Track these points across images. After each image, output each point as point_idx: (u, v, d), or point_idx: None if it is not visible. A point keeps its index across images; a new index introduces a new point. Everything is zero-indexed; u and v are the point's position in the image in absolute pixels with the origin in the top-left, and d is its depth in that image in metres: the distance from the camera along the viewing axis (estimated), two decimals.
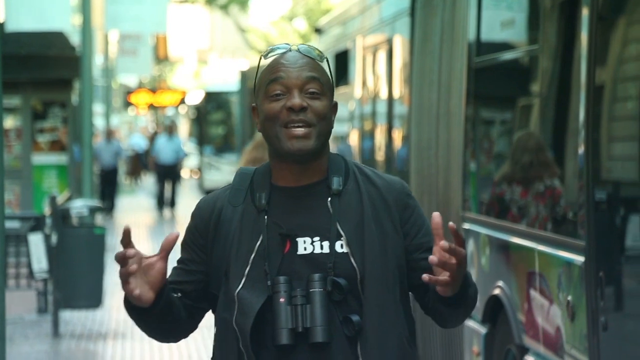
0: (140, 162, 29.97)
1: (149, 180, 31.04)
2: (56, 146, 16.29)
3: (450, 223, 2.44)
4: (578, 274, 4.60)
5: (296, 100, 2.50)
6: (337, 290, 2.49)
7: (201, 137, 27.47)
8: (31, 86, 15.41)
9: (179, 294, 2.60)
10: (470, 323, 6.14)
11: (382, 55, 8.87)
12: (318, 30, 12.71)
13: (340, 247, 2.51)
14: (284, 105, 2.51)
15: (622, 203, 4.42)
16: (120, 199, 24.99)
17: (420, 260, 2.56)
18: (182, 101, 33.10)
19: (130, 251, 2.45)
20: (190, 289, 2.61)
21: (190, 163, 31.20)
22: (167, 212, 21.72)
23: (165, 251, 2.48)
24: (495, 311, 5.63)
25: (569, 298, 4.68)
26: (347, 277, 2.50)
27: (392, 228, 2.55)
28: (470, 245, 6.18)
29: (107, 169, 20.92)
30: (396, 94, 8.53)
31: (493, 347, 5.83)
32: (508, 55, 5.99)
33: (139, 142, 31.39)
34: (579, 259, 4.58)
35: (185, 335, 2.65)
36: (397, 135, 8.57)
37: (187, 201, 24.24)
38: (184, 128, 43.80)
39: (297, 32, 34.19)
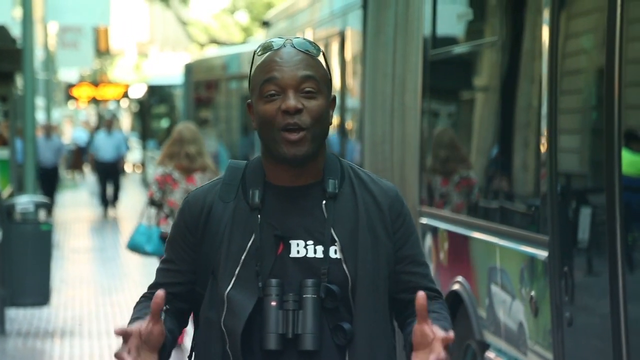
0: (81, 157, 29.60)
1: (90, 175, 30.70)
2: None
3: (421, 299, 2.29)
4: (541, 269, 4.57)
5: (291, 102, 2.41)
6: (330, 298, 2.41)
7: (144, 131, 27.23)
8: None
9: (168, 301, 2.49)
10: None
11: (333, 48, 8.81)
12: (266, 24, 12.63)
13: (334, 252, 2.43)
14: (279, 108, 2.42)
15: (584, 196, 4.40)
16: (62, 194, 24.68)
17: (403, 273, 2.50)
18: (125, 95, 32.79)
19: (135, 329, 2.34)
20: (182, 290, 2.51)
21: (133, 157, 30.91)
22: (110, 211, 20.88)
23: (157, 314, 2.36)
24: (454, 306, 5.60)
25: (532, 293, 4.65)
26: (339, 284, 2.42)
27: (385, 235, 2.48)
28: (428, 240, 6.15)
29: (47, 167, 19.66)
30: (348, 87, 8.48)
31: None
32: (464, 48, 5.96)
33: (81, 136, 31.04)
34: (542, 253, 4.56)
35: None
36: (350, 129, 8.52)
37: (130, 197, 24.02)
38: (126, 122, 43.40)
39: (239, 24, 34.04)
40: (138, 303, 2.56)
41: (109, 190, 20.79)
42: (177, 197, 8.04)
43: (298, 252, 2.43)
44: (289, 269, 2.42)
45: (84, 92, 31.63)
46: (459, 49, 6.04)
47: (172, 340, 2.47)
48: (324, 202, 2.46)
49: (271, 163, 2.47)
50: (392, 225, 2.49)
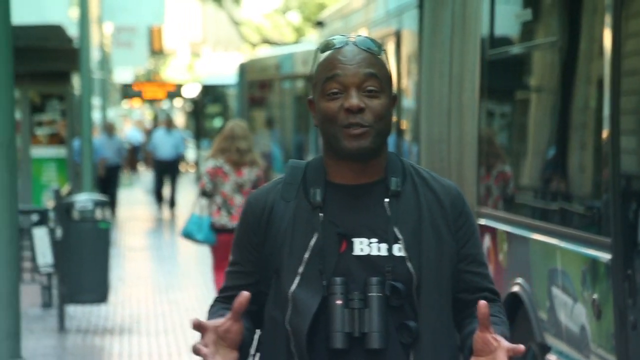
0: (136, 156, 29.82)
1: (145, 173, 30.95)
2: (55, 139, 16.20)
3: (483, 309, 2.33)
4: (604, 272, 4.54)
5: (354, 100, 2.42)
6: (395, 296, 2.41)
7: (198, 130, 27.39)
8: (29, 79, 15.31)
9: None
10: None
11: (388, 48, 8.80)
12: (320, 24, 12.65)
13: (398, 250, 2.43)
14: (342, 106, 2.43)
15: None
16: (118, 193, 24.90)
17: (464, 272, 2.50)
18: (178, 94, 33.03)
19: (211, 324, 2.37)
20: (252, 292, 2.50)
21: (188, 157, 31.12)
22: (166, 211, 20.58)
23: (237, 313, 2.38)
24: (514, 308, 5.58)
25: (595, 296, 4.62)
26: (404, 282, 2.42)
27: (448, 233, 2.48)
28: (487, 242, 6.13)
29: (110, 166, 19.39)
30: (404, 87, 8.47)
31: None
32: (522, 48, 5.93)
33: (135, 135, 31.30)
34: (605, 256, 4.53)
35: None
36: (406, 129, 8.52)
37: (184, 196, 24.19)
38: (179, 121, 43.72)
39: (291, 25, 34.12)
40: (212, 306, 2.57)
41: (166, 189, 20.51)
42: (227, 189, 8.53)
43: (362, 250, 2.43)
44: (353, 267, 2.42)
45: (138, 92, 31.88)
46: (516, 49, 6.01)
47: (250, 340, 2.48)
48: (386, 200, 2.46)
49: (333, 160, 2.48)
50: (455, 224, 2.49)
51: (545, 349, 5.24)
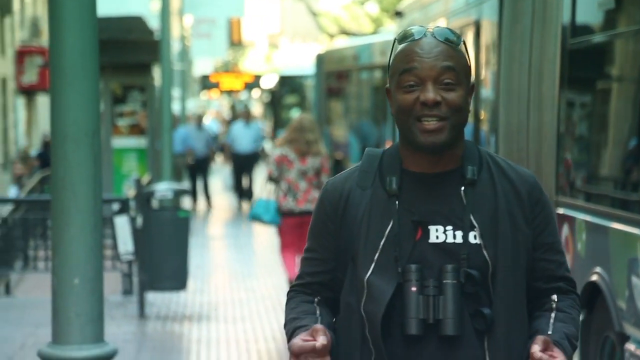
0: (213, 147, 30.01)
1: (222, 165, 31.17)
2: (135, 130, 16.45)
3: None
4: None
5: (430, 94, 2.43)
6: (470, 283, 2.43)
7: (275, 121, 27.54)
8: (111, 70, 15.56)
9: (317, 292, 2.54)
10: None
11: (467, 38, 8.77)
12: (399, 14, 12.64)
13: (474, 238, 2.45)
14: (417, 98, 2.44)
15: None
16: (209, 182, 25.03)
17: (540, 260, 2.51)
18: (256, 85, 33.23)
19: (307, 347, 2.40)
20: (327, 278, 2.54)
21: (267, 149, 31.28)
22: (244, 202, 19.70)
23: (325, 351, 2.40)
24: (592, 298, 5.54)
25: None
26: (479, 269, 2.44)
27: (524, 222, 2.49)
28: (565, 231, 6.10)
29: (200, 157, 19.04)
30: (483, 77, 8.44)
31: (590, 334, 5.74)
32: (604, 37, 5.88)
33: (213, 127, 31.58)
34: None
35: None
36: (485, 119, 8.49)
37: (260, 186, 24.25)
38: (257, 112, 44.01)
39: (369, 15, 34.10)
40: (290, 298, 2.59)
41: (245, 182, 19.89)
42: (292, 176, 9.21)
43: (437, 237, 2.45)
44: (428, 255, 2.44)
45: (217, 83, 32.15)
46: (598, 38, 5.96)
47: (334, 336, 2.50)
48: (462, 188, 2.47)
49: (408, 150, 2.49)
50: (531, 212, 2.49)
51: (624, 338, 5.20)
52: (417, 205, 2.47)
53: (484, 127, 8.47)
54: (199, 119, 20.16)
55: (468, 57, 2.52)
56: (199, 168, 19.05)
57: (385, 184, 2.50)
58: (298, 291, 2.58)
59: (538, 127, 6.70)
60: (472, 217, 2.45)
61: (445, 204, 2.47)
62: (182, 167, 19.33)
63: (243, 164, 19.48)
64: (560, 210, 6.18)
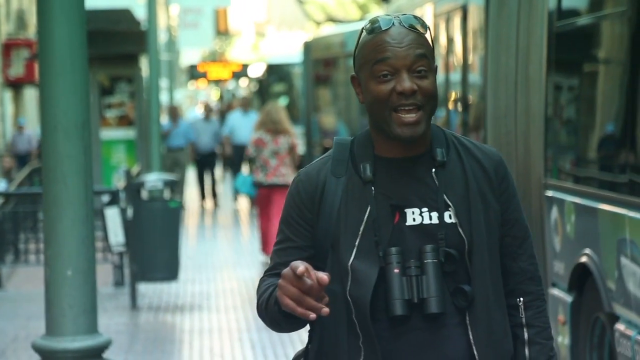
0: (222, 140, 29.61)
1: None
2: (124, 121, 16.43)
3: None
4: None
5: (407, 84, 2.47)
6: (449, 262, 2.49)
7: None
8: (98, 62, 15.53)
9: None
10: (555, 292, 6.09)
11: (455, 22, 8.79)
12: (385, 0, 12.65)
13: (449, 217, 2.51)
14: (394, 89, 2.48)
15: None
16: (190, 173, 25.06)
17: (506, 236, 2.58)
18: (244, 74, 33.18)
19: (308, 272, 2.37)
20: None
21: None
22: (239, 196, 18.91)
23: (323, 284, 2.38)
24: (582, 279, 5.58)
25: None
26: (456, 247, 2.50)
27: (493, 198, 2.56)
28: (554, 213, 6.13)
29: (206, 152, 17.89)
30: (470, 61, 8.46)
31: (580, 315, 5.78)
32: (591, 19, 5.90)
33: (197, 117, 31.45)
34: None
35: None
36: (472, 103, 8.51)
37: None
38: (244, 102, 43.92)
39: (356, 2, 34.07)
40: (262, 281, 2.60)
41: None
42: (266, 154, 11.18)
43: (414, 219, 2.51)
44: (407, 237, 2.50)
45: (204, 73, 32.10)
46: (585, 21, 5.98)
47: (318, 323, 2.51)
48: (433, 170, 2.53)
49: (381, 137, 2.54)
50: (499, 188, 2.57)
51: (614, 318, 5.24)
52: (392, 189, 2.53)
53: (473, 112, 8.49)
54: (207, 109, 18.72)
55: (432, 42, 2.57)
56: (205, 164, 17.89)
57: (360, 171, 2.54)
58: (270, 276, 2.58)
59: (526, 110, 6.72)
60: (445, 197, 2.52)
61: (419, 187, 2.53)
62: (184, 162, 17.82)
63: (243, 157, 16.56)
64: (549, 193, 6.21)
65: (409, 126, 2.48)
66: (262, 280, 2.60)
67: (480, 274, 2.50)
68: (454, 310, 2.50)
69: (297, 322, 2.50)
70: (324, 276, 2.36)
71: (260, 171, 11.17)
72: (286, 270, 2.38)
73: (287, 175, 11.09)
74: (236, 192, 18.66)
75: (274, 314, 2.50)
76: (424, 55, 2.49)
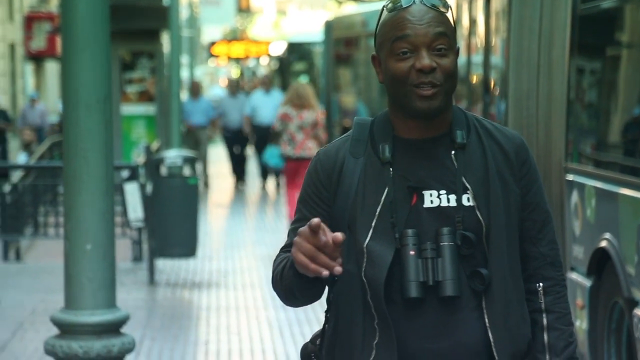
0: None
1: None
2: (144, 97, 16.46)
3: None
4: None
5: (426, 61, 2.47)
6: (466, 245, 2.48)
7: (284, 88, 27.49)
8: (119, 37, 15.54)
9: None
10: (574, 276, 6.08)
11: (478, 4, 8.74)
12: None
13: (467, 200, 2.50)
14: (413, 66, 2.48)
15: None
16: (211, 150, 24.96)
17: (526, 220, 2.56)
18: (265, 52, 33.13)
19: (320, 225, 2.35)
20: None
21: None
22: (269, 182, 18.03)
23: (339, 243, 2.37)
24: (601, 264, 5.56)
25: None
26: (474, 230, 2.49)
27: (513, 182, 2.54)
28: (574, 197, 6.10)
29: (235, 129, 17.41)
30: (493, 44, 8.42)
31: (598, 300, 5.76)
32: (615, 2, 5.85)
33: (220, 94, 31.52)
34: None
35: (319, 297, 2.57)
36: (494, 86, 8.47)
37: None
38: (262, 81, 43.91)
39: None
40: (277, 257, 2.60)
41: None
42: (292, 129, 11.47)
43: (432, 202, 2.50)
44: (424, 219, 2.49)
45: (225, 50, 32.08)
46: (609, 3, 5.93)
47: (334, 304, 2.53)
48: (453, 152, 2.52)
49: (400, 117, 2.53)
50: (519, 172, 2.55)
51: (633, 303, 5.23)
52: (410, 171, 2.52)
53: (494, 94, 8.45)
54: (234, 86, 18.18)
55: (454, 20, 2.56)
56: (235, 140, 17.43)
57: (378, 151, 2.54)
58: (286, 251, 2.58)
59: (548, 94, 6.69)
60: (464, 180, 2.50)
61: (437, 169, 2.52)
62: (205, 139, 17.59)
63: (267, 137, 15.37)
64: (570, 177, 6.19)
65: (425, 99, 2.47)
66: (277, 256, 2.61)
67: (497, 258, 2.49)
68: (470, 294, 2.49)
69: (312, 290, 2.48)
70: (338, 235, 2.35)
71: (288, 144, 11.46)
72: (302, 228, 2.38)
73: (313, 148, 11.29)
74: (264, 172, 18.18)
75: (289, 280, 2.49)
76: (444, 33, 2.48)
